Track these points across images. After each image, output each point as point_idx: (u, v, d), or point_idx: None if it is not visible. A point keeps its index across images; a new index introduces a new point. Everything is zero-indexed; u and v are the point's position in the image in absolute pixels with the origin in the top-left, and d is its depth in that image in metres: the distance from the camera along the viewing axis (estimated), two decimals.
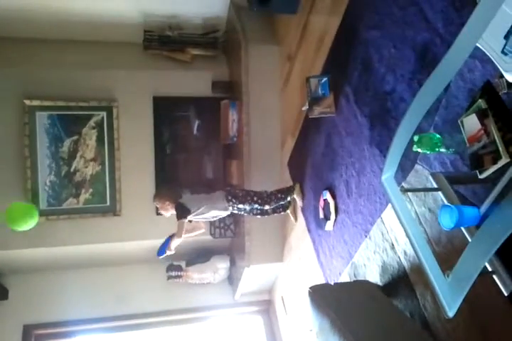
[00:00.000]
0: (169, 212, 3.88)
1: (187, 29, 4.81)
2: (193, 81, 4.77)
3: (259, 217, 4.15)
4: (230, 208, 3.93)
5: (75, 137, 4.50)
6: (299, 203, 4.17)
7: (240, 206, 3.93)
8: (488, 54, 1.95)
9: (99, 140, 4.55)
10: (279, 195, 4.02)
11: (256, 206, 3.95)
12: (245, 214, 4.13)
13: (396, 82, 2.80)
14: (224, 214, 4.00)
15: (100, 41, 4.73)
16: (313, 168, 3.96)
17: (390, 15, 2.83)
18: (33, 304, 4.75)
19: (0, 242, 4.37)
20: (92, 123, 4.52)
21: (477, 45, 2.01)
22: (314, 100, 3.58)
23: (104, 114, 4.53)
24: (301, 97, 4.00)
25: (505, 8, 1.72)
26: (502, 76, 1.89)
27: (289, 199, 4.09)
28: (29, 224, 3.42)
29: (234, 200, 3.89)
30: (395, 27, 2.81)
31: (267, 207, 4.00)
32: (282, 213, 4.26)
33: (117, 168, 4.59)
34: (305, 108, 3.70)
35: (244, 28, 4.53)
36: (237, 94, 4.61)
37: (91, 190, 4.57)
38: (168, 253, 3.80)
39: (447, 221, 1.59)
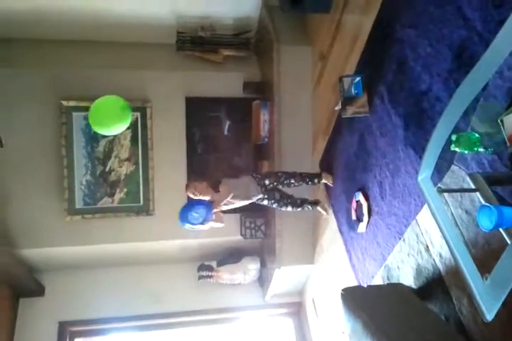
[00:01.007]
0: (207, 195, 3.81)
1: (219, 30, 4.83)
2: (224, 81, 4.79)
3: (289, 209, 4.11)
4: (259, 190, 3.97)
5: (110, 137, 4.57)
6: (330, 183, 4.17)
7: (266, 182, 3.98)
8: None
9: (134, 140, 4.63)
10: (304, 175, 4.12)
11: (281, 180, 4.02)
12: (275, 206, 4.11)
13: (432, 81, 2.75)
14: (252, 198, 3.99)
15: (134, 42, 4.80)
16: (346, 168, 3.92)
17: (427, 13, 2.79)
18: (68, 301, 4.84)
19: (37, 240, 4.49)
20: None
21: None
22: (347, 100, 3.54)
23: (138, 114, 4.60)
24: (333, 97, 3.97)
25: None
26: None
27: (315, 181, 4.16)
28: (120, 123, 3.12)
29: (258, 176, 4.02)
30: (431, 25, 2.76)
31: (292, 181, 4.05)
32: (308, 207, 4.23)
33: (151, 168, 4.66)
34: (338, 108, 3.67)
35: (276, 28, 4.53)
36: (269, 94, 4.60)
37: (125, 190, 4.65)
38: (205, 225, 3.65)
39: (486, 222, 1.55)
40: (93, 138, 4.55)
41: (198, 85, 4.73)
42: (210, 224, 3.72)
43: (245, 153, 4.98)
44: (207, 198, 3.79)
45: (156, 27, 4.70)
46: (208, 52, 4.77)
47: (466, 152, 1.81)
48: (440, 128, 1.93)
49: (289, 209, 4.11)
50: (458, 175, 2.49)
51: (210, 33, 4.76)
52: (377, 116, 3.38)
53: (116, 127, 3.12)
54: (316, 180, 4.15)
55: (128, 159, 4.62)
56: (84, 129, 4.52)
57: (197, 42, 4.76)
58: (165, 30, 4.71)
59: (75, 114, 4.49)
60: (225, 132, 4.96)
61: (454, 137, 1.82)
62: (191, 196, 3.83)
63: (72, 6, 4.36)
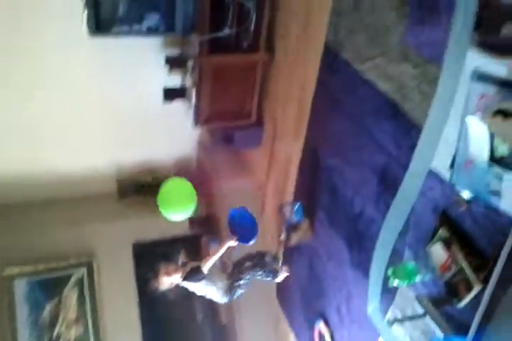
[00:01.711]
0: (175, 276, 3.27)
1: (160, 172, 4.94)
2: (170, 222, 4.77)
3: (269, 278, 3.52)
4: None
5: (56, 299, 4.34)
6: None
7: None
8: (441, 176, 2.04)
9: (81, 298, 4.40)
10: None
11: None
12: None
13: (364, 204, 2.86)
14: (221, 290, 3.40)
15: (75, 197, 4.76)
16: (303, 295, 3.86)
17: (345, 142, 2.99)
18: None
19: None
20: (72, 281, 4.41)
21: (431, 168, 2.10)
22: (290, 228, 3.60)
23: (84, 270, 4.44)
24: (278, 225, 4.03)
25: (446, 134, 1.83)
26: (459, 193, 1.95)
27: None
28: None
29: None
30: (352, 153, 2.95)
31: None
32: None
33: (101, 327, 4.39)
34: (283, 237, 3.71)
35: (214, 164, 4.70)
36: (216, 228, 4.61)
37: None
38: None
39: None
40: (37, 304, 4.29)
41: (144, 230, 4.66)
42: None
43: None
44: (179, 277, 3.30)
45: (97, 178, 4.77)
46: (149, 195, 4.81)
47: (406, 284, 1.83)
48: (377, 259, 1.97)
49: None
50: (407, 295, 2.48)
51: (150, 177, 4.86)
52: (321, 241, 3.43)
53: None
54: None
55: (76, 320, 4.35)
56: (27, 296, 4.27)
57: (138, 187, 4.82)
58: (106, 180, 4.78)
59: (16, 282, 4.25)
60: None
61: (390, 271, 1.85)
62: (164, 280, 3.28)
63: (8, 168, 4.40)
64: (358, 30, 2.72)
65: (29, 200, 4.65)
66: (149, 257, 4.68)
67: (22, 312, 4.24)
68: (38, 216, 4.55)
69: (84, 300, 4.42)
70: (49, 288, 4.38)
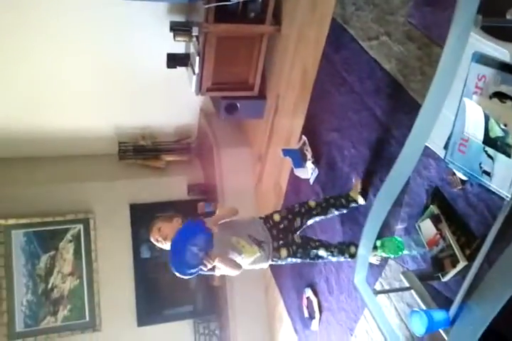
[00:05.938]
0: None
1: (160, 137, 5.00)
2: (169, 186, 4.87)
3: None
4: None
5: (52, 252, 4.46)
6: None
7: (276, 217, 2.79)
8: (438, 154, 2.08)
9: (77, 253, 4.51)
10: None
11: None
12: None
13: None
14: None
15: (75, 155, 4.86)
16: (293, 265, 3.94)
17: (347, 118, 3.02)
18: None
19: None
20: (69, 236, 4.52)
21: (427, 145, 2.14)
22: None
23: (80, 226, 4.54)
24: (275, 195, 4.10)
25: (444, 114, 1.86)
26: (455, 173, 2.00)
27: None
28: None
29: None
30: (352, 129, 2.98)
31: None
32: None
33: (95, 281, 4.50)
34: None
35: (215, 132, 4.74)
36: (213, 195, 4.69)
37: (69, 306, 4.45)
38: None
39: (418, 327, 1.60)
40: (34, 254, 4.42)
41: (142, 192, 4.76)
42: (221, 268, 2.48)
43: None
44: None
45: (98, 139, 4.83)
46: (149, 159, 4.89)
47: (393, 256, 1.90)
48: (367, 231, 2.03)
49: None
50: (396, 269, 2.57)
51: (151, 141, 4.91)
52: None
53: None
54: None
55: (71, 273, 4.48)
56: (24, 246, 4.39)
57: (139, 150, 4.88)
58: (106, 142, 4.84)
59: (13, 231, 4.36)
60: None
61: (378, 243, 1.91)
62: (158, 245, 2.59)
63: (11, 122, 4.44)
64: (365, 8, 2.73)
65: (31, 156, 4.73)
66: (146, 218, 4.77)
67: (19, 261, 4.36)
68: (38, 171, 4.64)
69: (80, 255, 4.53)
70: (46, 240, 4.48)
